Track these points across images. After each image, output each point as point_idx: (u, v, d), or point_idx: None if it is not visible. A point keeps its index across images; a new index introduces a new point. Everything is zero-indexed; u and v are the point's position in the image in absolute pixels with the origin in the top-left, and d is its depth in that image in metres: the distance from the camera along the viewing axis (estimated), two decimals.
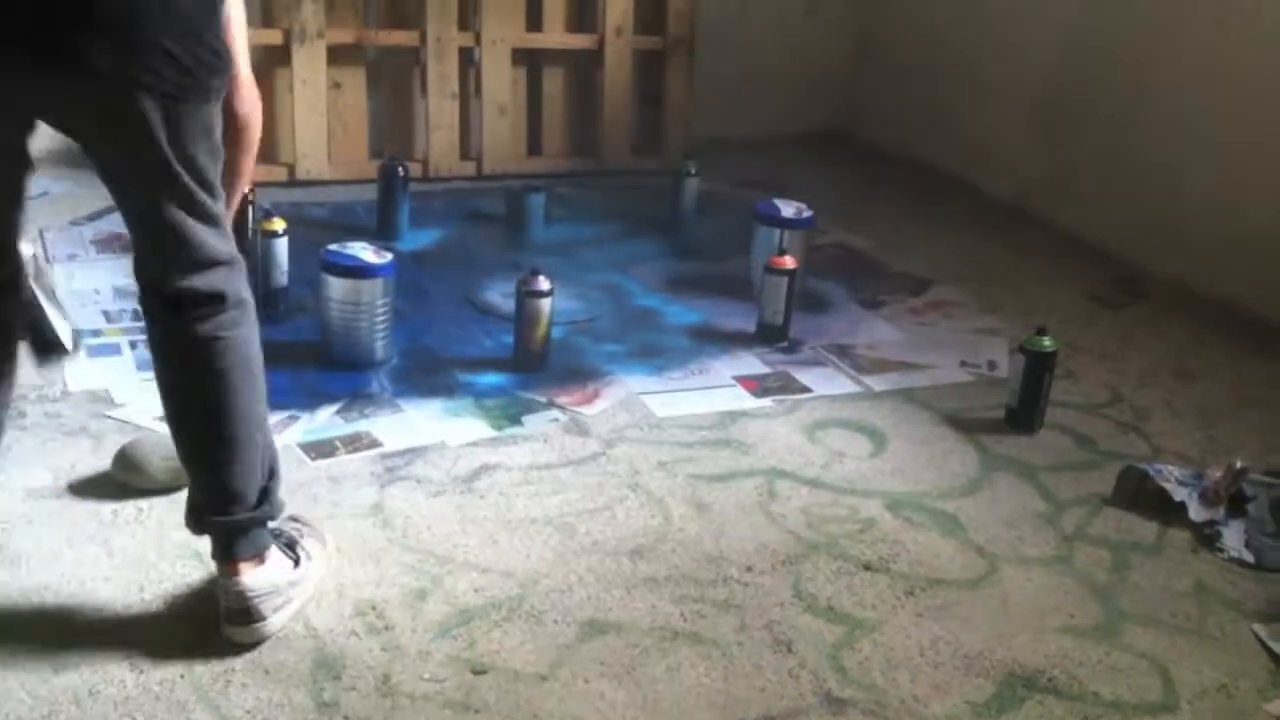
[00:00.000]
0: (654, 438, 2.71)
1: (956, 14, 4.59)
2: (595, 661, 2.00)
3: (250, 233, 3.22)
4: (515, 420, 2.73)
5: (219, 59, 1.79)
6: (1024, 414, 2.85)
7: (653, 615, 2.12)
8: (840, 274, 3.70)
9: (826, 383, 3.02)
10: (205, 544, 2.18)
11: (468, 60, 4.23)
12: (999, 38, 4.41)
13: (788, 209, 3.45)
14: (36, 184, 3.91)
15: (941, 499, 2.56)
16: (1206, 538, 2.48)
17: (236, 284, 1.90)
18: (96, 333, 2.68)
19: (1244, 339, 3.41)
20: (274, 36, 3.98)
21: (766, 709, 1.93)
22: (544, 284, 2.91)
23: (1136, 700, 2.02)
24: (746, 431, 2.76)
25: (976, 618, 2.19)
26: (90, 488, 2.34)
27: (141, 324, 3.01)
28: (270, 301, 3.10)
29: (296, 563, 2.05)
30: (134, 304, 3.09)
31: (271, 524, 2.03)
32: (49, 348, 2.22)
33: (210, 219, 1.85)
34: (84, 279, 3.21)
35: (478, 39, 4.19)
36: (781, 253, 3.21)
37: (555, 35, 4.34)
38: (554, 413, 2.77)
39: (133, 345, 2.88)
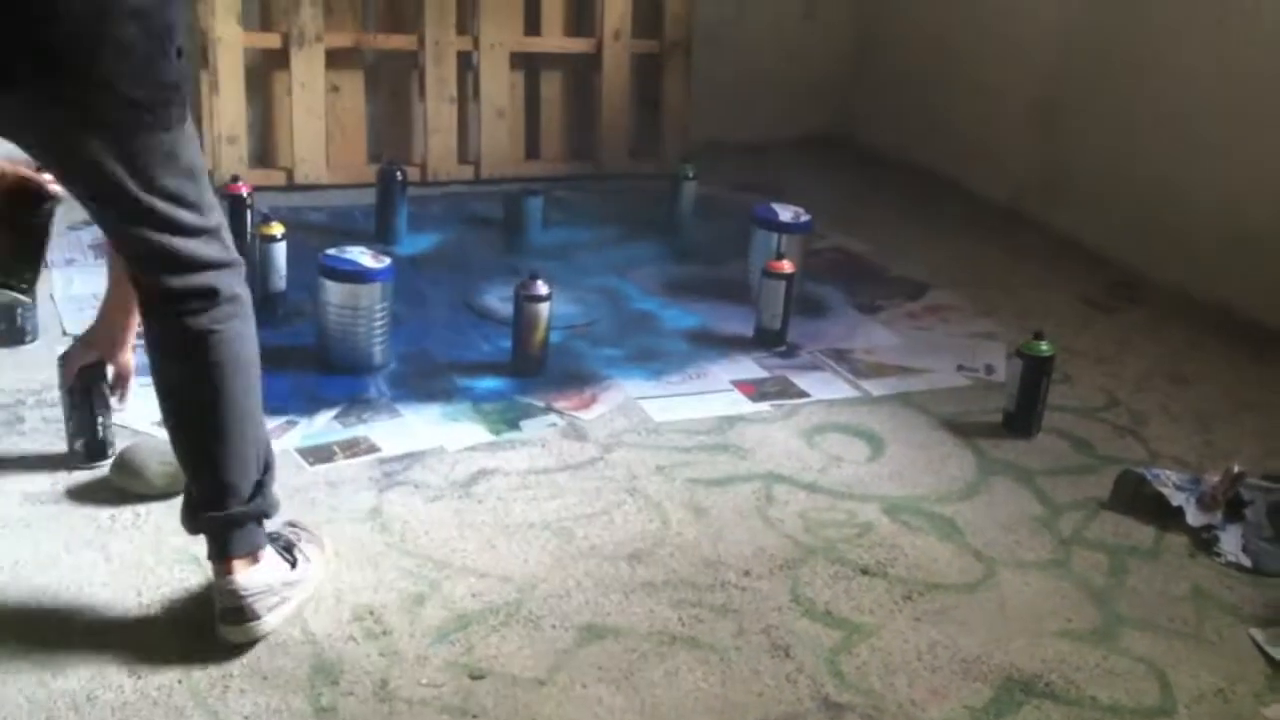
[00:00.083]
0: (652, 442, 2.71)
1: (954, 17, 4.59)
2: (593, 666, 2.00)
3: (248, 237, 3.22)
4: (513, 425, 2.73)
5: (173, 89, 1.76)
6: (1021, 418, 2.85)
7: (650, 620, 2.13)
8: (838, 278, 3.70)
9: (824, 387, 3.02)
10: (202, 549, 2.18)
11: (466, 64, 4.23)
12: (997, 41, 4.41)
13: (785, 213, 3.45)
14: None
15: (939, 503, 2.56)
16: (1204, 542, 2.48)
17: (229, 281, 1.90)
18: None
19: (1241, 343, 3.42)
20: (272, 40, 3.99)
21: (764, 713, 1.93)
22: (542, 288, 2.91)
23: (1134, 705, 2.02)
24: (744, 436, 2.76)
25: (974, 622, 2.19)
26: (88, 492, 2.34)
27: (139, 329, 3.02)
28: (268, 306, 3.10)
29: (293, 565, 2.05)
30: None
31: (267, 523, 2.02)
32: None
33: (195, 232, 1.84)
34: (82, 284, 3.21)
35: (476, 43, 4.19)
36: (779, 257, 3.21)
37: (553, 39, 4.34)
38: (552, 417, 2.78)
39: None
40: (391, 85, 4.24)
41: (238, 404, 1.92)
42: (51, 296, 3.11)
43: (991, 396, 2.99)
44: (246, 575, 1.95)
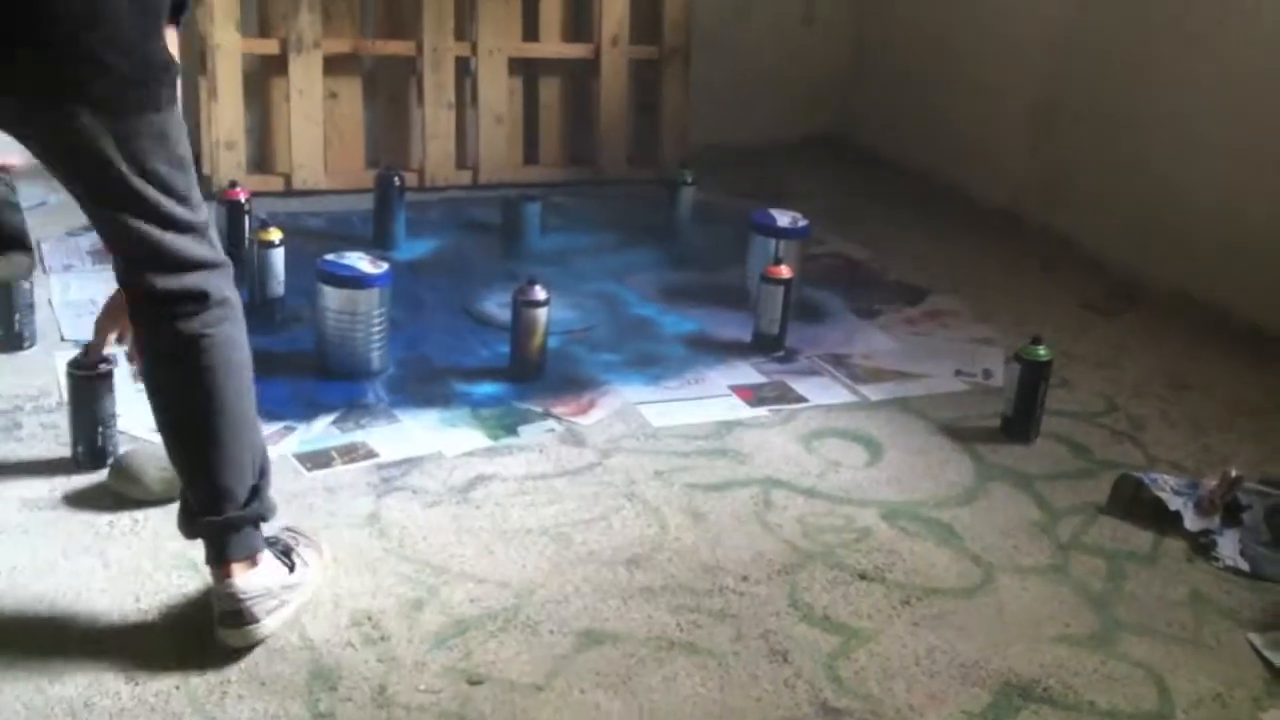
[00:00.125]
0: (650, 447, 2.71)
1: (953, 21, 4.60)
2: (591, 672, 2.00)
3: (246, 243, 3.23)
4: (511, 430, 2.73)
5: (163, 69, 1.77)
6: (1019, 423, 2.85)
7: (649, 625, 2.12)
8: (836, 283, 3.70)
9: (822, 392, 3.02)
10: (201, 554, 2.18)
11: (464, 70, 4.23)
12: (996, 45, 4.42)
13: (783, 218, 3.45)
14: (33, 194, 3.94)
15: (937, 508, 2.56)
16: (1202, 547, 2.48)
17: (219, 283, 1.90)
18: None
19: (1240, 347, 3.42)
20: (270, 46, 3.99)
21: (763, 719, 1.93)
22: (540, 293, 2.92)
23: (1132, 709, 2.02)
24: (742, 441, 2.76)
25: (972, 627, 2.19)
26: (86, 499, 2.34)
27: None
28: (266, 311, 3.10)
29: (291, 568, 2.05)
30: None
31: (264, 526, 2.02)
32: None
33: (185, 227, 1.84)
34: (80, 290, 3.21)
35: (474, 49, 4.19)
36: (777, 262, 3.21)
37: (551, 45, 4.34)
38: (550, 423, 2.78)
39: (129, 357, 2.88)
40: (390, 91, 4.24)
41: (231, 408, 1.92)
42: (50, 302, 3.11)
43: (990, 401, 2.99)
44: (245, 579, 1.95)
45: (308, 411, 2.72)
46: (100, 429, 2.41)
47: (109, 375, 2.41)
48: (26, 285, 2.86)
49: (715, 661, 2.05)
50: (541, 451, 2.65)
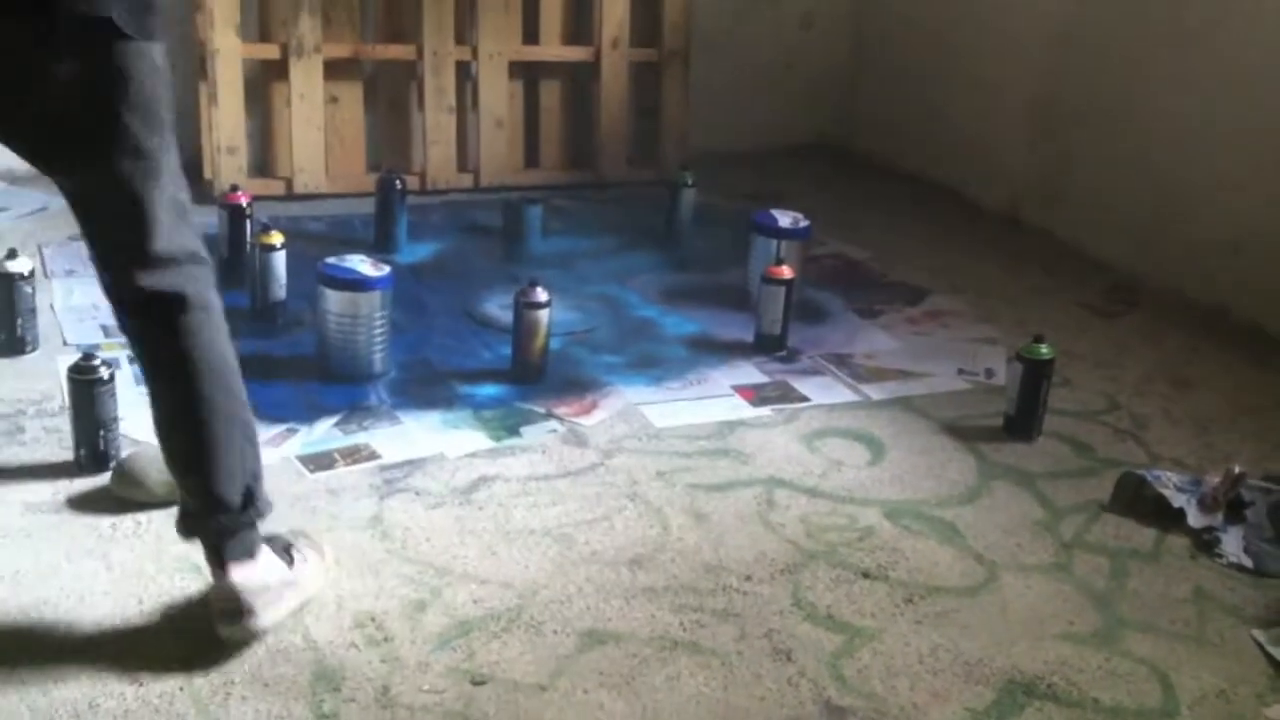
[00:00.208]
0: (652, 448, 2.71)
1: (952, 20, 4.60)
2: (594, 672, 2.00)
3: (248, 246, 3.23)
4: (514, 431, 2.73)
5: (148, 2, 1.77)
6: (1022, 422, 2.85)
7: (652, 625, 2.12)
8: (837, 284, 3.70)
9: (824, 392, 3.02)
10: (203, 556, 2.18)
11: (465, 74, 4.24)
12: (994, 44, 4.42)
13: (784, 219, 3.45)
14: (35, 199, 3.95)
15: (940, 507, 2.56)
16: (1205, 544, 2.48)
17: (199, 285, 1.90)
18: (95, 348, 2.68)
19: (1240, 346, 3.42)
20: (271, 51, 3.99)
21: (766, 718, 1.93)
22: (542, 295, 2.92)
23: (1136, 706, 2.02)
24: (745, 441, 2.76)
25: (976, 625, 2.19)
26: (89, 502, 2.34)
27: None
28: (268, 315, 3.11)
29: (291, 564, 2.06)
30: None
31: (261, 524, 2.02)
32: None
33: (169, 199, 1.84)
34: (82, 294, 3.21)
35: (475, 52, 4.20)
36: (779, 263, 3.21)
37: (552, 48, 4.35)
38: (552, 424, 2.78)
39: (130, 360, 2.88)
40: (390, 95, 4.25)
41: (220, 413, 1.92)
42: (52, 307, 3.12)
43: (992, 400, 2.99)
44: (242, 574, 1.96)
45: (310, 414, 2.72)
46: (102, 432, 2.41)
47: (111, 379, 2.42)
48: (29, 290, 2.86)
49: (719, 661, 2.05)
50: (544, 452, 2.66)
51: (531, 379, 2.94)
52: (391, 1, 4.14)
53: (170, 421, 1.95)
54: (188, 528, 1.99)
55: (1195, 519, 2.52)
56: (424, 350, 3.08)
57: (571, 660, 2.02)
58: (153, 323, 1.88)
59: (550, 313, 2.94)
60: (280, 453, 2.55)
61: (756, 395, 2.98)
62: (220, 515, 1.94)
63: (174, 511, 2.30)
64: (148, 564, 2.17)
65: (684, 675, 2.01)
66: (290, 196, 4.02)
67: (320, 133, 4.05)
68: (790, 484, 2.60)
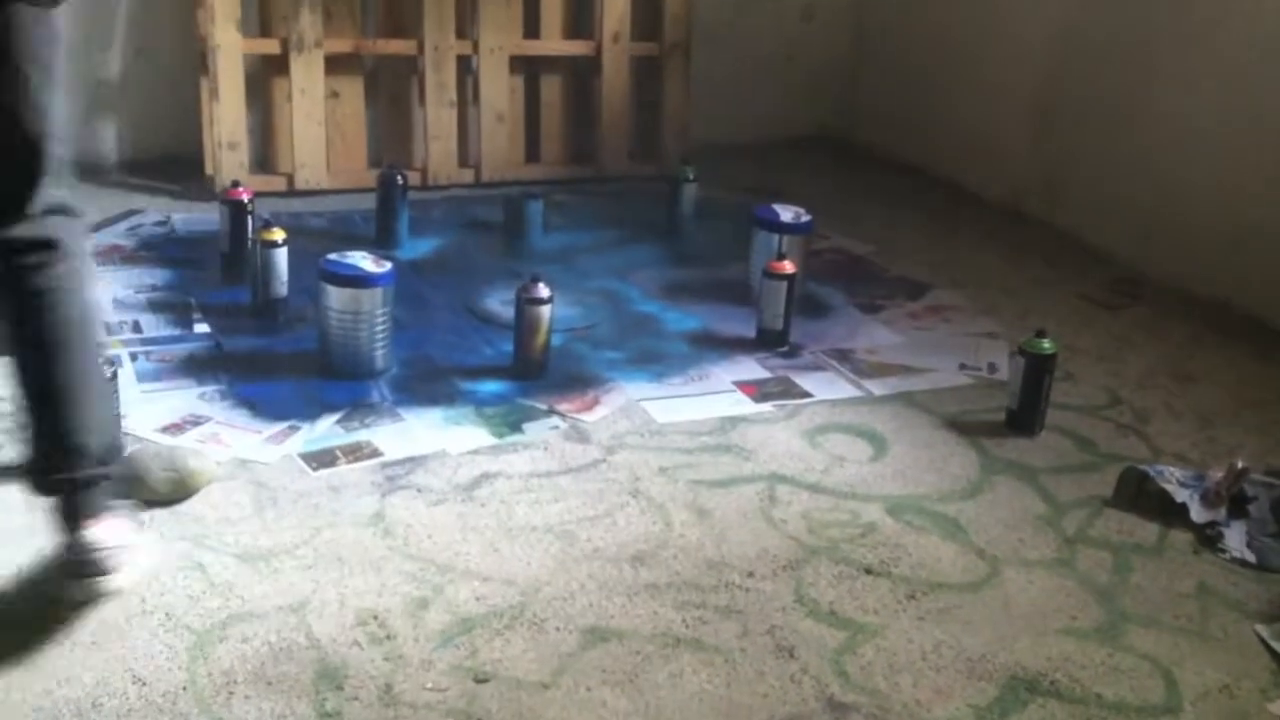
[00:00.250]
0: (654, 444, 2.71)
1: (954, 16, 4.59)
2: (597, 669, 2.00)
3: (249, 243, 3.23)
4: (516, 428, 2.73)
5: None
6: (1024, 416, 2.85)
7: (654, 622, 2.12)
8: (839, 278, 3.70)
9: (826, 387, 3.02)
10: (208, 556, 2.19)
11: (466, 68, 4.23)
12: (996, 41, 4.41)
13: (786, 214, 3.45)
14: None
15: (942, 502, 2.56)
16: (1208, 539, 2.48)
17: (71, 233, 1.94)
18: None
19: (1242, 339, 3.41)
20: (272, 46, 3.99)
21: (769, 714, 1.93)
22: (543, 291, 2.91)
23: (1139, 702, 2.02)
24: (747, 437, 2.76)
25: (978, 621, 2.19)
26: None
27: (142, 335, 3.04)
28: (270, 311, 3.10)
29: (139, 526, 2.09)
30: (134, 316, 3.10)
31: (111, 484, 2.04)
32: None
33: (56, 154, 1.90)
34: None
35: (475, 47, 4.19)
36: (780, 257, 3.21)
37: (553, 42, 4.34)
38: (554, 420, 2.78)
39: (133, 357, 2.89)
40: (391, 90, 4.24)
41: (83, 365, 1.95)
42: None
43: (994, 395, 2.99)
44: (95, 533, 1.97)
45: (312, 411, 2.72)
46: None
47: (113, 377, 2.41)
48: None
49: (721, 658, 2.05)
50: (546, 449, 2.65)
51: (533, 375, 2.94)
52: None
53: (36, 370, 1.96)
54: (43, 484, 1.99)
55: (1198, 514, 2.52)
56: (426, 347, 3.08)
57: (574, 657, 2.02)
58: (25, 269, 1.91)
59: (552, 309, 2.94)
60: (282, 450, 2.55)
61: (758, 391, 2.98)
62: (80, 468, 1.96)
63: (177, 509, 2.31)
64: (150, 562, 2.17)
65: (687, 672, 2.01)
66: (291, 192, 4.02)
67: (321, 128, 4.05)
68: (792, 480, 2.60)
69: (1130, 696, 2.03)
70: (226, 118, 3.91)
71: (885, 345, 3.28)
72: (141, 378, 2.80)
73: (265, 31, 4.02)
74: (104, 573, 1.97)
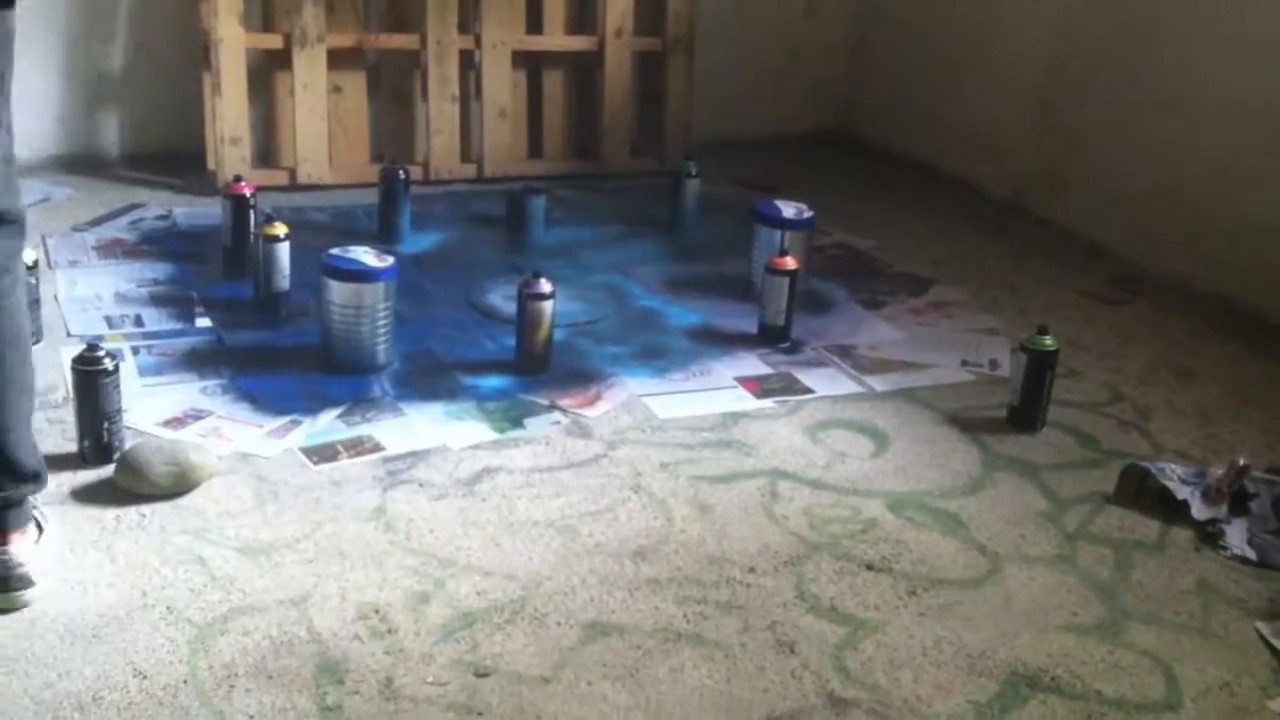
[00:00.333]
0: (656, 439, 2.71)
1: (956, 11, 4.59)
2: (598, 663, 2.00)
3: (252, 237, 3.23)
4: (517, 423, 2.73)
5: None
6: (1026, 413, 2.85)
7: (655, 617, 2.13)
8: (841, 274, 3.70)
9: (828, 383, 3.02)
10: (209, 550, 2.19)
11: (468, 63, 4.23)
12: (998, 36, 4.41)
13: (788, 209, 3.45)
14: (38, 189, 3.95)
15: (944, 498, 2.56)
16: (1209, 536, 2.48)
17: (9, 247, 1.92)
18: (99, 339, 2.69)
19: (1244, 336, 3.41)
20: (274, 41, 3.99)
21: (770, 710, 1.93)
22: (545, 286, 2.91)
23: (1140, 699, 2.02)
24: (748, 433, 2.76)
25: (979, 617, 2.19)
26: (93, 494, 2.34)
27: (144, 329, 3.04)
28: (271, 306, 3.11)
29: (41, 532, 2.10)
30: (136, 310, 3.10)
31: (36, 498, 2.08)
32: None
33: (3, 151, 1.88)
34: (86, 285, 3.22)
35: (478, 42, 4.19)
36: (782, 253, 3.21)
37: (555, 37, 4.34)
38: (556, 415, 2.78)
39: (135, 351, 2.89)
40: (394, 85, 4.24)
41: (17, 381, 1.96)
42: (55, 297, 3.12)
43: (996, 391, 2.99)
44: (19, 546, 2.00)
45: (313, 405, 2.72)
46: (106, 424, 2.41)
47: (115, 371, 2.42)
48: (32, 281, 2.86)
49: (722, 653, 2.05)
50: (547, 444, 2.65)
51: (535, 370, 2.94)
52: None
53: None
54: None
55: (1199, 511, 2.52)
56: (427, 341, 3.08)
57: (575, 652, 2.02)
58: None
59: (554, 304, 2.93)
60: (284, 444, 2.55)
61: (760, 387, 2.98)
62: (13, 484, 1.98)
63: (179, 503, 2.32)
64: (152, 556, 2.17)
65: (687, 667, 2.01)
66: (294, 187, 4.02)
67: (324, 123, 4.05)
68: (794, 476, 2.60)
69: (1131, 693, 2.03)
70: (229, 112, 3.91)
71: (887, 341, 3.28)
72: (143, 371, 2.80)
73: (268, 26, 4.02)
74: (27, 586, 2.00)
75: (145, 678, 1.89)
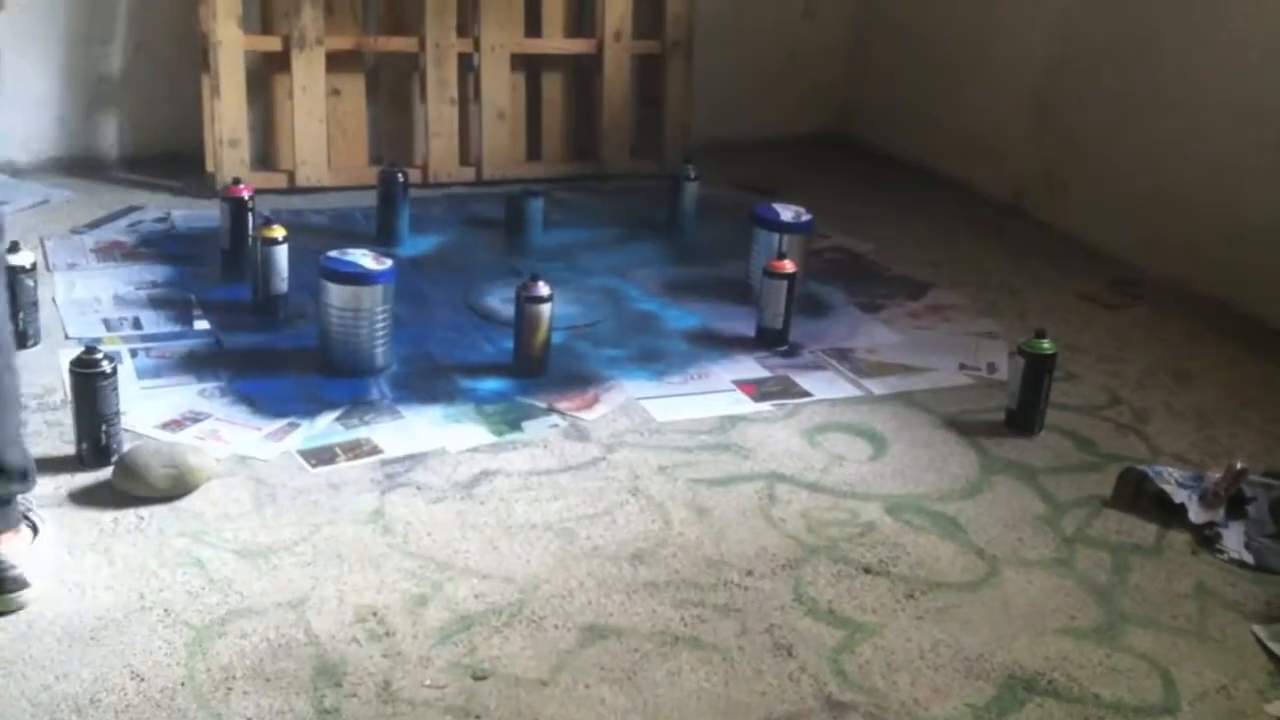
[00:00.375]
0: (654, 442, 2.71)
1: (954, 14, 4.59)
2: (596, 666, 2.00)
3: (250, 240, 3.23)
4: (515, 426, 2.73)
5: None
6: (1024, 416, 2.85)
7: (653, 620, 2.13)
8: (839, 278, 3.70)
9: (826, 386, 3.02)
10: (207, 553, 2.19)
11: (467, 66, 4.23)
12: (996, 39, 4.41)
13: (786, 212, 3.45)
14: (36, 192, 3.95)
15: (941, 502, 2.56)
16: (1206, 539, 2.48)
17: None
18: (97, 341, 2.69)
19: (1242, 339, 3.41)
20: (273, 43, 3.99)
21: (768, 713, 1.93)
22: (543, 289, 2.91)
23: (1137, 702, 2.02)
24: (746, 436, 2.76)
25: (977, 620, 2.19)
26: (91, 496, 2.34)
27: (142, 332, 3.04)
28: (270, 308, 3.11)
29: (35, 535, 2.10)
30: (134, 312, 3.10)
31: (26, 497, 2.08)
32: None
33: None
34: (84, 287, 3.22)
35: (477, 45, 4.19)
36: (781, 256, 3.21)
37: (554, 40, 4.34)
38: (554, 418, 2.78)
39: (133, 354, 2.89)
40: (392, 88, 4.24)
41: (2, 383, 1.96)
42: (54, 300, 3.12)
43: (994, 395, 2.99)
44: (10, 547, 2.00)
45: (311, 408, 2.72)
46: (104, 427, 2.41)
47: (113, 373, 2.42)
48: (30, 283, 2.86)
49: (720, 656, 2.05)
50: (545, 447, 2.66)
51: (533, 373, 2.94)
52: None
53: None
54: None
55: (1197, 515, 2.52)
56: (426, 344, 3.08)
57: (573, 655, 2.02)
58: None
59: (552, 307, 2.94)
60: (281, 447, 2.55)
61: (758, 390, 2.98)
62: (2, 483, 1.98)
63: (176, 506, 2.32)
64: (149, 559, 2.17)
65: (685, 670, 2.01)
66: (292, 189, 4.02)
67: (322, 125, 4.05)
68: (791, 479, 2.60)
69: (1128, 696, 2.03)
70: (227, 114, 3.91)
71: (885, 344, 3.28)
72: (141, 374, 2.80)
73: (266, 28, 4.02)
74: (21, 588, 2.00)
75: (143, 680, 1.89)
